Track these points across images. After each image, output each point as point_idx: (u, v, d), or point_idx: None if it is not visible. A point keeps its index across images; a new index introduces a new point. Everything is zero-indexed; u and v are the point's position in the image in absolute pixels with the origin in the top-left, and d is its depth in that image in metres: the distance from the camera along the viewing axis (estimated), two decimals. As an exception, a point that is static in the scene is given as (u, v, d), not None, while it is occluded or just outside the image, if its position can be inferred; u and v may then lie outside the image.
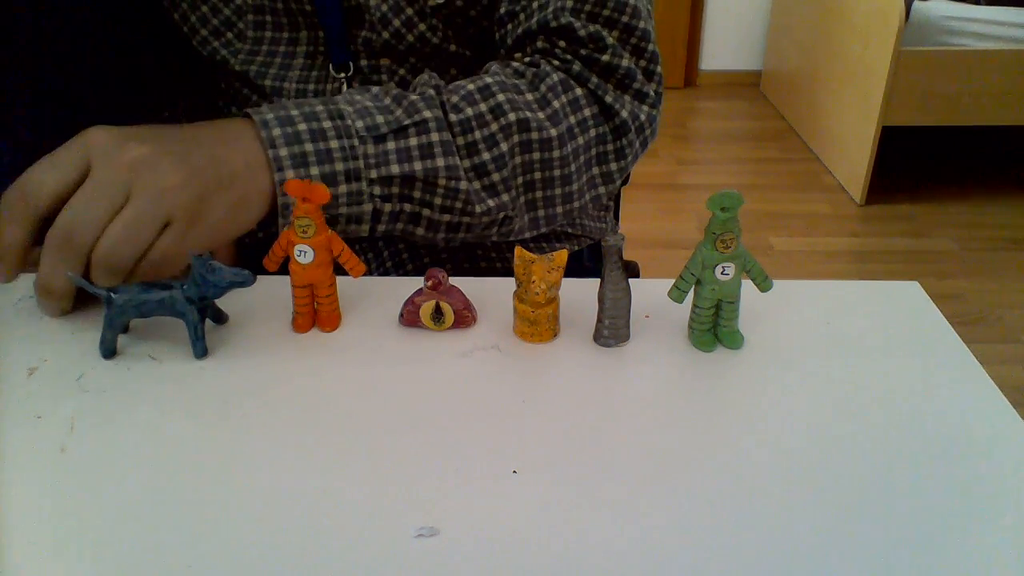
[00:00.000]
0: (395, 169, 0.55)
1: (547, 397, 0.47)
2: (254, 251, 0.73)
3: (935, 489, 0.41)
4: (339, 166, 0.54)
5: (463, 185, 0.57)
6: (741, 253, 0.49)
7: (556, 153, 0.60)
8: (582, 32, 0.61)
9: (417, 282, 0.54)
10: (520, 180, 0.60)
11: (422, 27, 0.64)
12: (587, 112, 0.61)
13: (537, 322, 0.51)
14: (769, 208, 2.49)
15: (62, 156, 0.49)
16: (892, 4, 2.21)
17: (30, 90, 0.70)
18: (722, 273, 0.49)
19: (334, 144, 0.54)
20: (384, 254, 0.74)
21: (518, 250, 0.49)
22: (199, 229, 0.50)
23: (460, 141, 0.57)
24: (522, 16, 0.63)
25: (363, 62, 0.67)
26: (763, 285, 0.50)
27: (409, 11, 0.64)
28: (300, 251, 0.50)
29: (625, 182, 0.93)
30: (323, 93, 0.68)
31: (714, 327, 0.51)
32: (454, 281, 0.53)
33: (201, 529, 0.38)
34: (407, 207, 0.57)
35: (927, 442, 0.44)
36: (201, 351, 0.49)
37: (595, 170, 0.63)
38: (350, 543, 0.38)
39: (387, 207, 0.56)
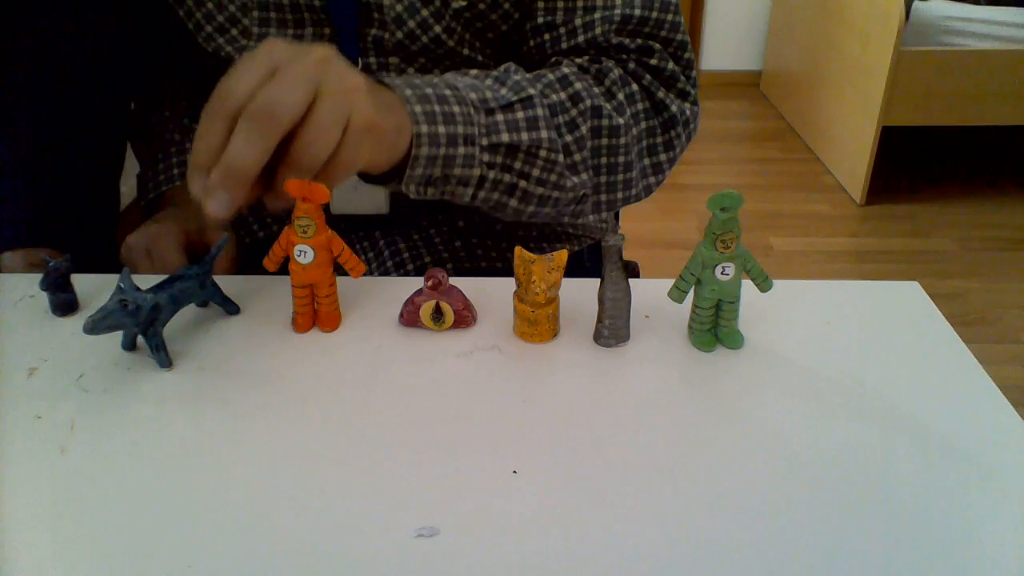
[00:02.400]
0: (504, 138, 0.58)
1: (547, 397, 0.47)
2: (254, 251, 0.73)
3: (935, 489, 0.41)
4: (460, 129, 0.56)
5: (560, 157, 0.60)
6: (741, 253, 0.49)
7: (622, 140, 0.64)
8: (632, 46, 0.66)
9: (417, 282, 0.54)
10: (592, 163, 0.64)
11: (437, 29, 0.65)
12: (640, 106, 0.65)
13: (537, 322, 0.51)
14: (769, 208, 2.49)
15: (249, 62, 0.49)
16: (892, 4, 2.21)
17: (31, 89, 0.69)
18: (722, 273, 0.49)
19: (456, 109, 0.56)
20: (384, 254, 0.74)
21: (518, 250, 0.49)
22: (368, 140, 0.50)
23: (553, 121, 0.61)
24: (562, 30, 0.66)
25: (371, 59, 0.67)
26: (763, 285, 0.50)
27: (425, 12, 0.64)
28: (300, 251, 0.50)
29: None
30: None
31: (714, 327, 0.51)
32: (454, 281, 0.53)
33: (201, 529, 0.38)
34: (507, 177, 0.60)
35: (927, 442, 0.44)
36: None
37: (646, 160, 0.67)
38: (350, 543, 0.38)
39: (492, 174, 0.59)
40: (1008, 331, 1.92)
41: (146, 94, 0.79)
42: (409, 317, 0.53)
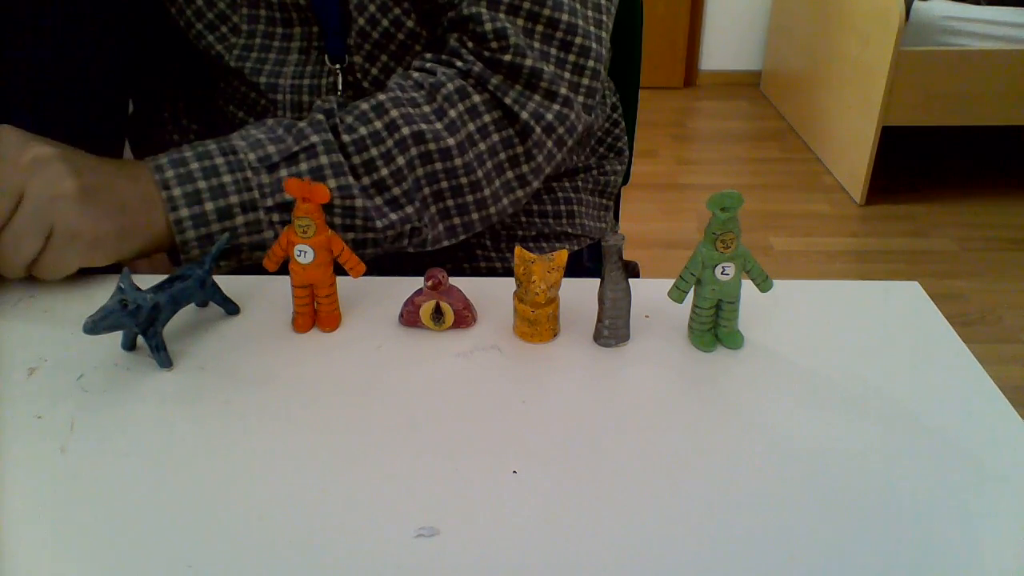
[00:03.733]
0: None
1: (547, 397, 0.47)
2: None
3: (935, 489, 0.41)
4: (233, 199, 0.56)
5: (359, 203, 0.59)
6: (741, 253, 0.49)
7: (458, 161, 0.60)
8: (487, 26, 0.60)
9: (417, 282, 0.54)
10: (427, 191, 0.61)
11: (396, 11, 0.65)
12: (487, 118, 0.61)
13: (537, 322, 0.51)
14: (769, 208, 2.49)
15: None
16: (892, 4, 2.21)
17: (30, 88, 0.69)
18: (722, 273, 0.49)
19: (227, 179, 0.56)
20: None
21: (518, 250, 0.49)
22: (77, 245, 0.52)
23: (356, 160, 0.59)
24: (450, 13, 0.64)
25: (357, 58, 0.67)
26: (763, 285, 0.50)
27: None
28: (300, 251, 0.50)
29: (625, 182, 0.93)
30: (319, 87, 0.68)
31: (714, 327, 0.51)
32: (454, 281, 0.53)
33: (201, 529, 0.38)
34: None
35: (927, 442, 0.44)
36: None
37: (508, 174, 0.63)
38: (350, 543, 0.38)
39: None
40: (1008, 331, 1.92)
41: (144, 95, 0.79)
42: (409, 317, 0.53)
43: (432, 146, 0.60)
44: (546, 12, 0.61)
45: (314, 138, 0.58)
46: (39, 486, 0.41)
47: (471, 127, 0.61)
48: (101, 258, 0.53)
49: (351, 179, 0.59)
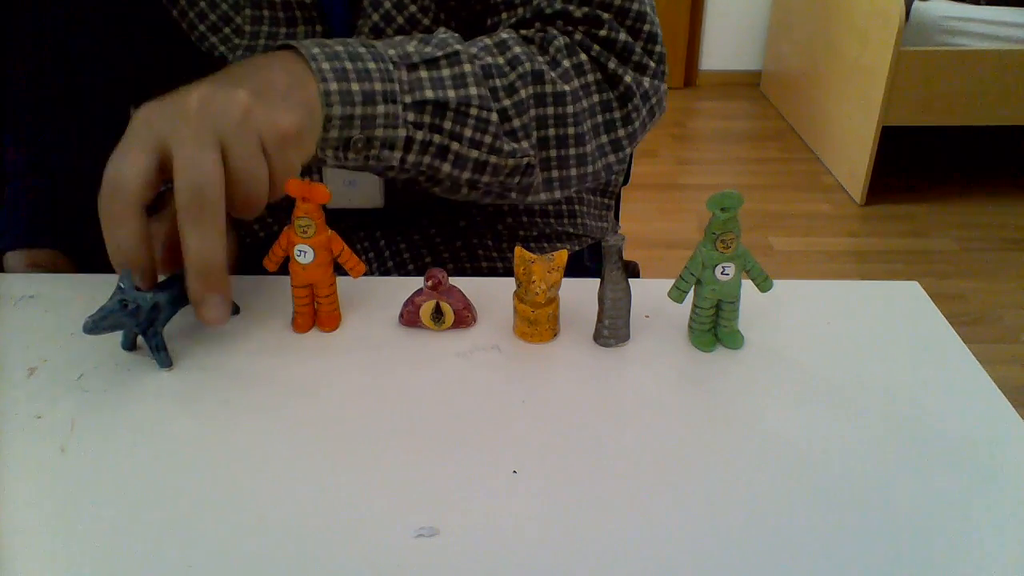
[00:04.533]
0: (429, 94, 0.55)
1: (547, 397, 0.47)
2: (254, 251, 0.73)
3: (935, 489, 0.41)
4: (377, 86, 0.53)
5: (494, 117, 0.57)
6: (741, 253, 0.49)
7: (569, 108, 0.60)
8: (578, 14, 0.62)
9: (417, 282, 0.54)
10: (535, 135, 0.61)
11: (412, 8, 0.64)
12: (591, 77, 0.62)
13: (537, 322, 0.51)
14: (769, 208, 2.49)
15: (130, 142, 0.48)
16: (892, 4, 2.21)
17: (32, 89, 0.70)
18: (722, 273, 0.49)
19: (371, 65, 0.54)
20: (385, 254, 0.74)
21: (518, 250, 0.49)
22: (289, 147, 0.49)
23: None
24: (520, 9, 0.64)
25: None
26: (763, 285, 0.50)
27: None
28: (300, 251, 0.50)
29: (625, 181, 0.93)
30: None
31: (714, 327, 0.51)
32: (454, 281, 0.53)
33: (201, 529, 0.38)
34: (436, 138, 0.57)
35: (927, 442, 0.44)
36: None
37: (604, 137, 0.64)
38: (350, 543, 0.38)
39: (419, 135, 0.56)
40: (1008, 331, 1.92)
41: (147, 97, 0.79)
42: (409, 317, 0.53)
43: (549, 88, 0.59)
44: (617, 2, 0.63)
45: (458, 46, 0.57)
46: (39, 486, 0.41)
47: (580, 81, 0.61)
48: (311, 143, 0.51)
49: (487, 91, 0.57)
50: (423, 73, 0.55)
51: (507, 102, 0.58)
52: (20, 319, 0.54)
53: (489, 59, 0.58)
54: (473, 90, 0.56)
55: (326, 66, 0.52)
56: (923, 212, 2.46)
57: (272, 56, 0.53)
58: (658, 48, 0.65)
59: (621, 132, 0.64)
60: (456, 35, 0.59)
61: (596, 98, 0.63)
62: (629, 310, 0.51)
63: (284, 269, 0.52)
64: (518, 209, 0.75)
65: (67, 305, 0.55)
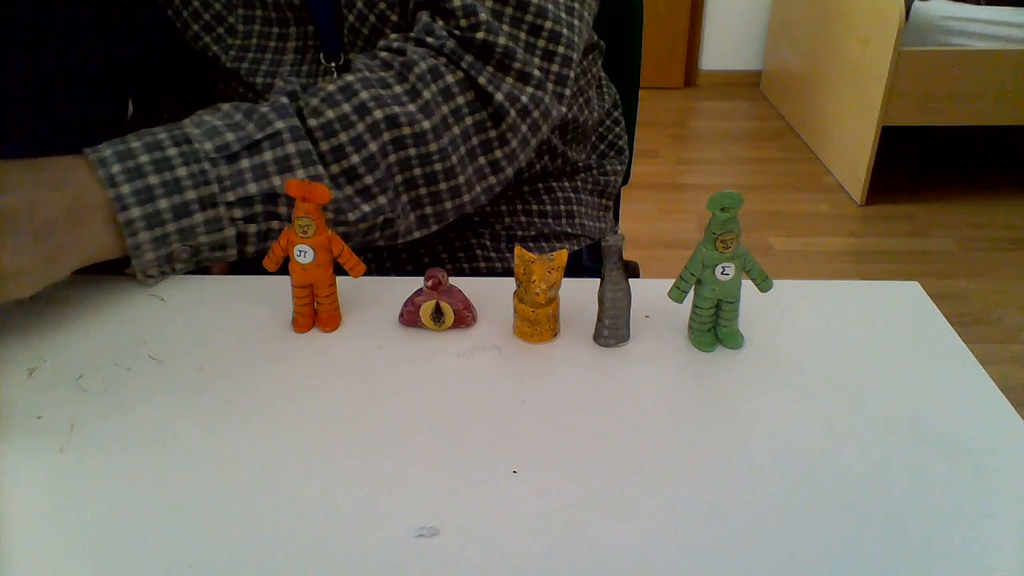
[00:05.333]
0: (252, 188, 0.53)
1: (547, 397, 0.47)
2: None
3: (935, 489, 0.41)
4: (190, 194, 0.51)
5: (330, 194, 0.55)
6: (741, 253, 0.49)
7: (433, 147, 0.57)
8: (456, 1, 0.58)
9: (417, 282, 0.54)
10: (399, 179, 0.57)
11: (382, 6, 0.64)
12: (460, 100, 0.58)
13: (537, 322, 0.51)
14: (769, 208, 2.49)
15: None
16: (892, 4, 2.21)
17: (30, 89, 0.70)
18: (722, 273, 0.49)
19: (182, 172, 0.51)
20: (383, 254, 0.74)
21: (518, 250, 0.49)
22: None
23: (324, 146, 0.55)
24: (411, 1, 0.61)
25: (352, 55, 0.67)
26: (763, 285, 0.50)
27: None
28: (300, 251, 0.50)
29: (625, 181, 0.93)
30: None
31: (714, 327, 0.51)
32: (454, 281, 0.53)
33: (201, 529, 0.38)
34: (275, 223, 0.55)
35: (927, 442, 0.44)
36: None
37: (481, 160, 0.60)
38: (350, 543, 0.38)
39: (252, 228, 0.54)
40: (1008, 331, 1.92)
41: (144, 96, 0.79)
42: (409, 317, 0.53)
43: (407, 130, 0.56)
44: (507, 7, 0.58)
45: (279, 124, 0.53)
46: (39, 486, 0.41)
47: (445, 109, 0.57)
48: (28, 289, 0.48)
49: (320, 168, 0.54)
50: (244, 163, 0.52)
51: (356, 159, 0.55)
52: (20, 319, 0.54)
53: (331, 113, 0.55)
54: (300, 173, 0.53)
55: (126, 189, 0.49)
56: (923, 212, 2.46)
57: (67, 174, 0.49)
58: (560, 50, 0.60)
59: (498, 153, 0.60)
60: (286, 96, 0.55)
61: (468, 120, 0.58)
62: (629, 310, 0.51)
63: (284, 269, 0.52)
64: (516, 210, 0.75)
65: (67, 305, 0.55)
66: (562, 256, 0.49)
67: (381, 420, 0.45)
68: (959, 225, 2.39)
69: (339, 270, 0.52)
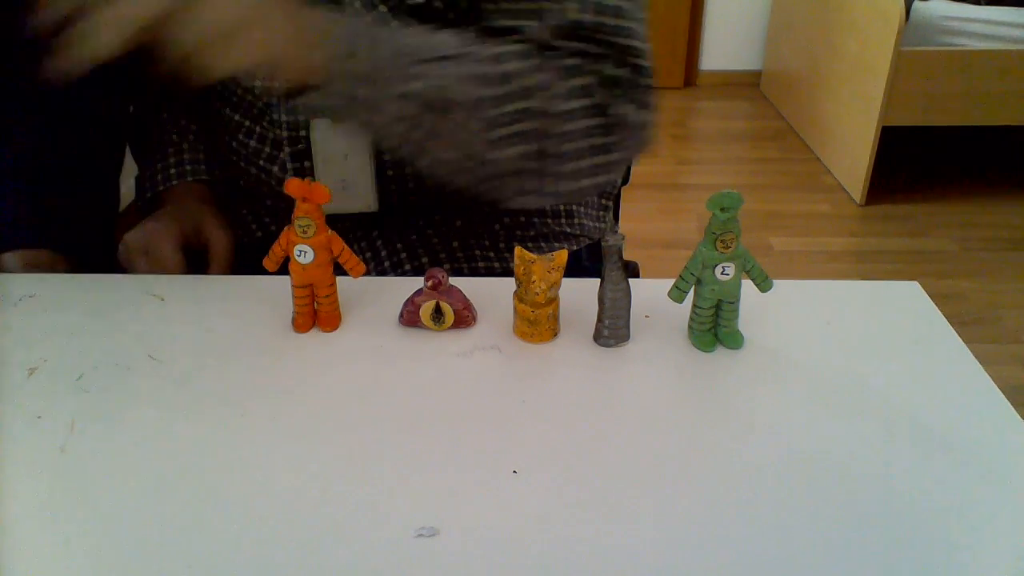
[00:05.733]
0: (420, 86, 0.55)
1: (547, 397, 0.47)
2: (254, 251, 0.73)
3: (935, 488, 0.41)
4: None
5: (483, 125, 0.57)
6: (741, 253, 0.49)
7: (560, 129, 0.59)
8: (572, 47, 0.61)
9: (417, 282, 0.54)
10: (523, 147, 0.60)
11: (382, 8, 0.64)
12: (583, 103, 0.61)
13: (537, 322, 0.51)
14: (769, 208, 2.49)
15: None
16: (892, 4, 2.21)
17: (31, 90, 0.69)
18: (722, 273, 0.49)
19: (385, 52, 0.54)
20: (382, 254, 0.74)
21: (518, 250, 0.49)
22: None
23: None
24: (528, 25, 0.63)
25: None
26: (763, 285, 0.50)
27: None
28: (300, 251, 0.50)
29: (625, 182, 0.93)
30: None
31: (714, 327, 0.51)
32: (454, 281, 0.53)
33: (201, 529, 0.38)
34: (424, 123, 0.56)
35: (927, 442, 0.44)
36: None
37: (596, 159, 0.63)
38: (350, 543, 0.38)
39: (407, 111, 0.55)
40: (1008, 331, 1.92)
41: (144, 95, 0.79)
42: (409, 317, 0.53)
43: (539, 104, 0.59)
44: (610, 37, 0.62)
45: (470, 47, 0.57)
46: (39, 486, 0.41)
47: (575, 104, 0.60)
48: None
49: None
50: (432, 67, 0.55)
51: (493, 112, 0.57)
52: (20, 319, 0.53)
53: (485, 69, 0.57)
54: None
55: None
56: (923, 212, 2.46)
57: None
58: (648, 82, 0.65)
59: (612, 157, 0.63)
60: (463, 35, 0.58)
61: (584, 123, 0.61)
62: (629, 310, 0.51)
63: (284, 269, 0.52)
64: (515, 210, 0.75)
65: (67, 305, 0.55)
66: (562, 256, 0.49)
67: (381, 420, 0.45)
68: (959, 225, 2.39)
69: (339, 270, 0.52)
